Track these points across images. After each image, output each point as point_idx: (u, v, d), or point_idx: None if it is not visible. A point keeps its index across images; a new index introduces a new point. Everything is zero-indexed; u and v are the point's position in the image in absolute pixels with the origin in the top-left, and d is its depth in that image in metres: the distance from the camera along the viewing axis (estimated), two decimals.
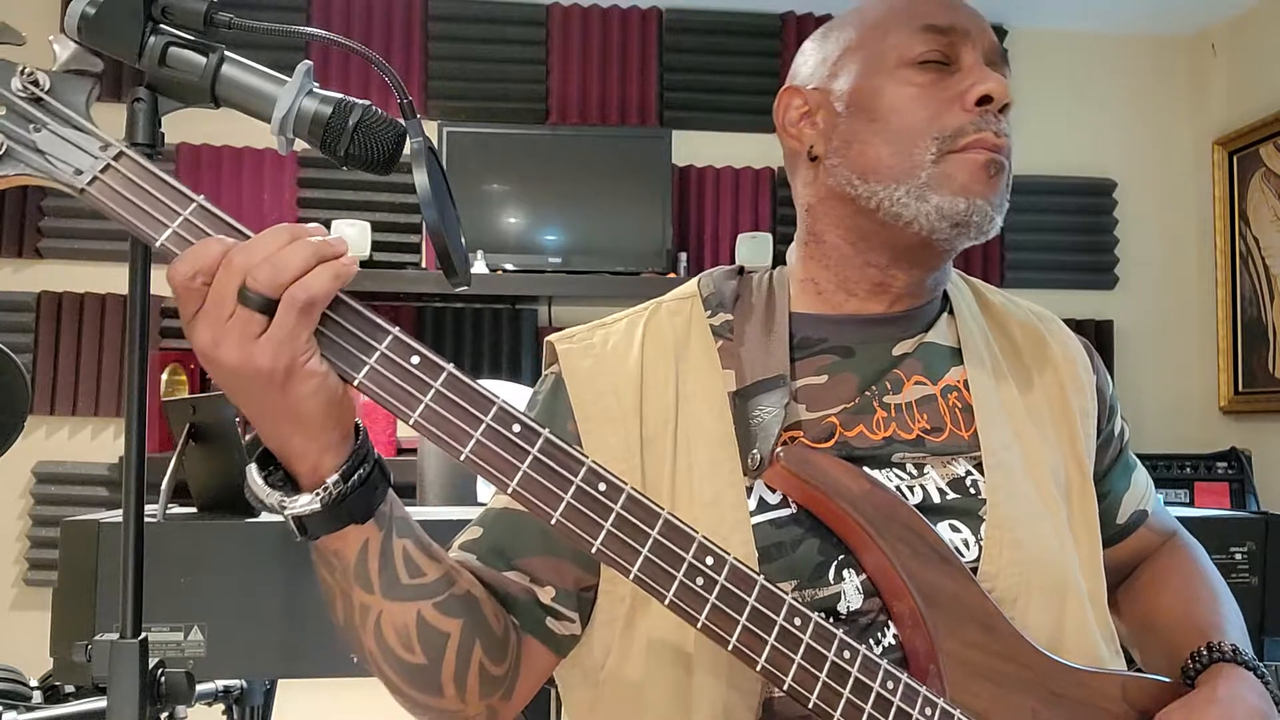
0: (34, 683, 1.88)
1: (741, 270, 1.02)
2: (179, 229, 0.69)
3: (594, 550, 0.72)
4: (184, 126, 3.27)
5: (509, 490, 0.72)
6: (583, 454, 0.73)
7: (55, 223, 3.24)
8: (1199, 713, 0.85)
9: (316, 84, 0.83)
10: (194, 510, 1.56)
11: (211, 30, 0.81)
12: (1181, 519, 1.12)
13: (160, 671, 0.91)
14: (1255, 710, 0.86)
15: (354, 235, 3.17)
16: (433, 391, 0.70)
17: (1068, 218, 3.63)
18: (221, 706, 1.74)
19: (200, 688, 1.61)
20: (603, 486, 0.73)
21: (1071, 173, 3.62)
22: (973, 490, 0.90)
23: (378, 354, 0.70)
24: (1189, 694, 0.88)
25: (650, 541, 0.73)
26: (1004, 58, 0.94)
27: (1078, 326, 3.56)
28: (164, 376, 2.96)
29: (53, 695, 1.84)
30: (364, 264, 3.20)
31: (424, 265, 3.32)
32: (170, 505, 1.46)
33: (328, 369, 0.69)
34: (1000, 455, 0.91)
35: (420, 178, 0.82)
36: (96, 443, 3.24)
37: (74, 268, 3.25)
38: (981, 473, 0.91)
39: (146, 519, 0.93)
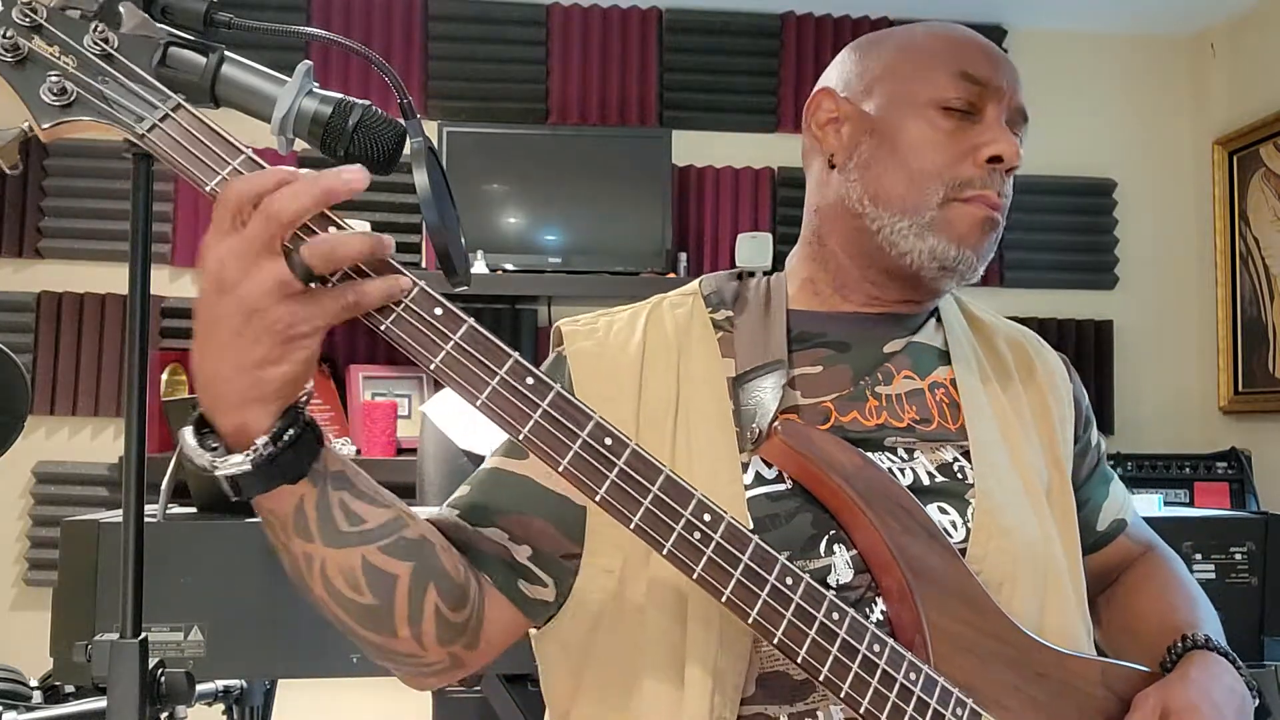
0: (34, 683, 1.88)
1: (741, 275, 1.06)
2: (228, 176, 0.73)
3: (598, 498, 0.76)
4: None
5: (520, 436, 0.75)
6: (591, 410, 0.77)
7: (55, 223, 3.24)
8: (1174, 691, 0.87)
9: (316, 84, 0.83)
10: (194, 510, 1.56)
11: (211, 30, 0.81)
12: (1181, 519, 1.14)
13: (160, 671, 0.91)
14: (1229, 690, 0.89)
15: None
16: (453, 342, 0.74)
17: (1067, 218, 3.63)
18: (221, 706, 1.74)
19: (200, 688, 1.61)
20: (609, 441, 0.77)
21: (1071, 173, 3.62)
22: (960, 476, 0.94)
23: (404, 304, 0.74)
24: (1166, 676, 0.91)
25: (651, 495, 0.77)
26: (1025, 118, 0.99)
27: (1077, 326, 3.57)
28: (164, 376, 2.96)
29: (53, 695, 1.84)
30: None
31: (424, 265, 3.32)
32: (170, 505, 1.46)
33: (319, 349, 0.72)
34: (986, 447, 0.95)
35: (420, 178, 0.82)
36: (96, 443, 3.24)
37: (74, 268, 3.25)
38: (969, 460, 0.94)
39: (146, 519, 0.93)
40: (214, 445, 0.73)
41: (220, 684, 1.68)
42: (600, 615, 0.90)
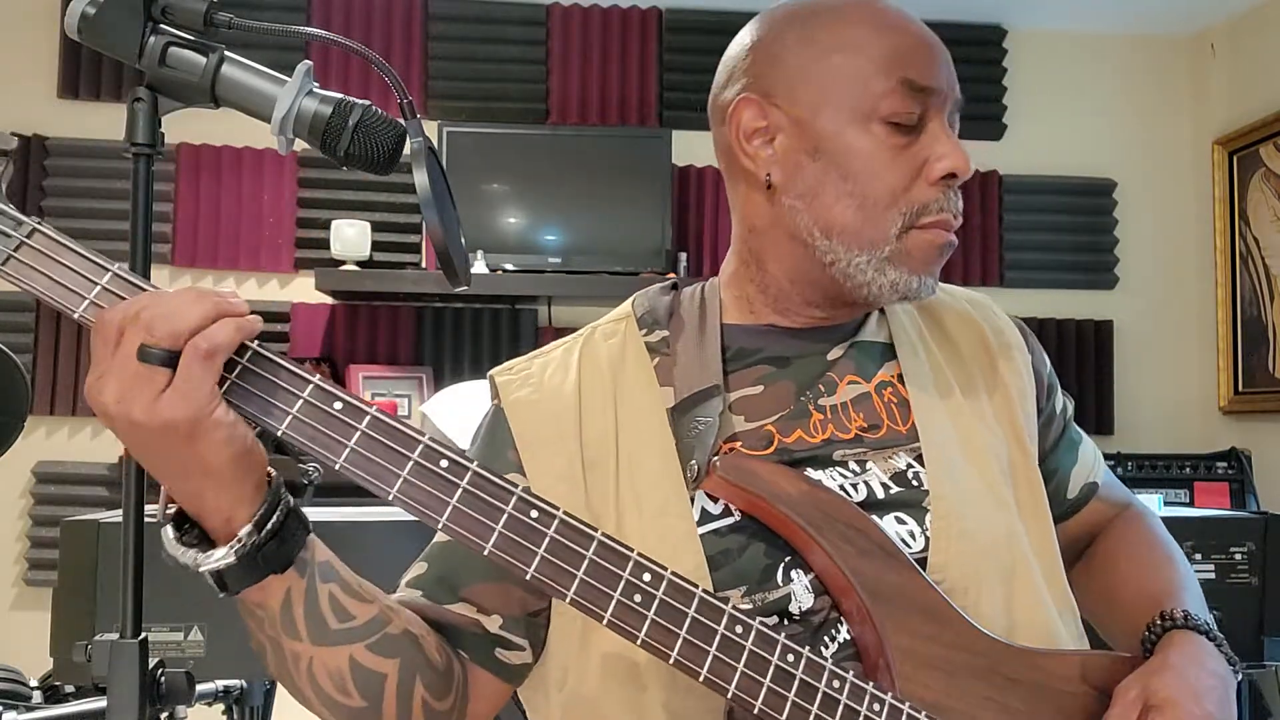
0: (34, 683, 1.88)
1: (675, 285, 1.01)
2: (95, 299, 0.69)
3: (529, 576, 0.73)
4: (184, 126, 3.27)
5: (439, 525, 0.72)
6: (512, 483, 0.74)
7: (55, 223, 3.22)
8: (1154, 680, 0.85)
9: (316, 84, 0.83)
10: None
11: (211, 30, 0.81)
12: (1181, 519, 1.12)
13: (160, 671, 0.91)
14: (1211, 673, 0.86)
15: (354, 235, 3.17)
16: (357, 434, 0.71)
17: (1067, 218, 3.63)
18: (221, 706, 1.74)
19: (200, 688, 1.61)
20: (534, 513, 0.73)
21: (1071, 173, 3.62)
22: (915, 482, 0.91)
23: (300, 403, 0.71)
24: (1144, 664, 0.88)
25: (585, 563, 0.74)
26: (960, 105, 0.92)
27: (1077, 326, 3.57)
28: None
29: (53, 695, 1.84)
30: (364, 264, 3.20)
31: (424, 265, 3.32)
32: (170, 505, 1.46)
33: (235, 419, 0.70)
34: (939, 447, 0.92)
35: (420, 178, 0.82)
36: (96, 443, 3.24)
37: None
38: (921, 465, 0.91)
39: (146, 519, 0.93)
40: (193, 542, 0.72)
41: (220, 684, 1.68)
42: (568, 668, 0.88)
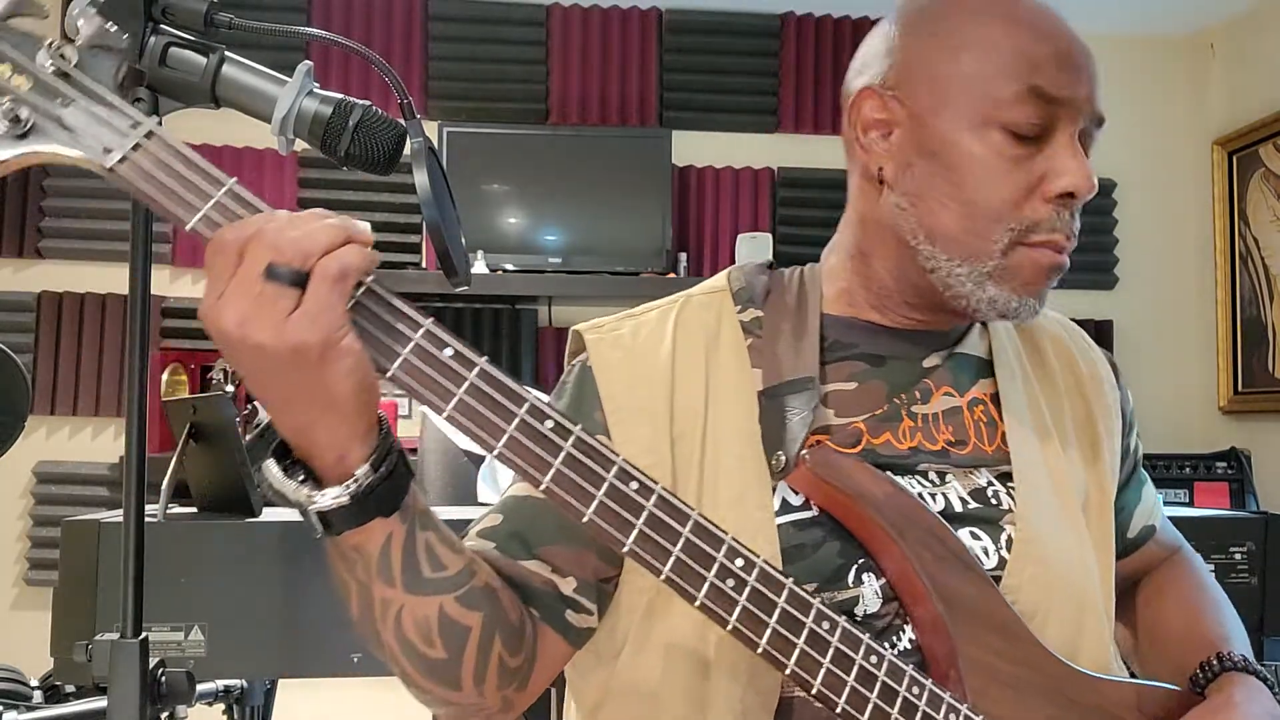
0: (34, 682, 1.88)
1: (772, 265, 1.00)
2: (211, 211, 0.66)
3: (626, 549, 0.71)
4: (184, 126, 3.27)
5: (542, 487, 0.70)
6: (614, 452, 0.72)
7: (55, 223, 3.24)
8: (1221, 715, 0.85)
9: (316, 84, 0.83)
10: (194, 510, 1.56)
11: (211, 30, 0.81)
12: (1181, 519, 1.13)
13: (160, 671, 0.91)
14: (1271, 715, 0.87)
15: None
16: (466, 384, 0.69)
17: None
18: (221, 706, 1.74)
19: (200, 687, 1.61)
20: (634, 485, 0.72)
21: None
22: (994, 501, 0.90)
23: (412, 344, 0.68)
24: (1206, 700, 0.88)
25: (682, 541, 0.72)
26: (1100, 123, 0.87)
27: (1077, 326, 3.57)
28: (164, 376, 2.97)
29: (53, 695, 1.84)
30: None
31: (424, 265, 3.32)
32: (170, 505, 1.46)
33: (361, 348, 0.67)
34: (1029, 471, 0.91)
35: (420, 178, 0.82)
36: (96, 443, 3.24)
37: (74, 268, 3.25)
38: (1003, 484, 0.91)
39: (146, 519, 0.93)
40: (301, 478, 0.69)
41: (221, 684, 1.68)
42: (626, 640, 0.87)
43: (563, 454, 0.70)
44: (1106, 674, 0.89)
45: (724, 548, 0.73)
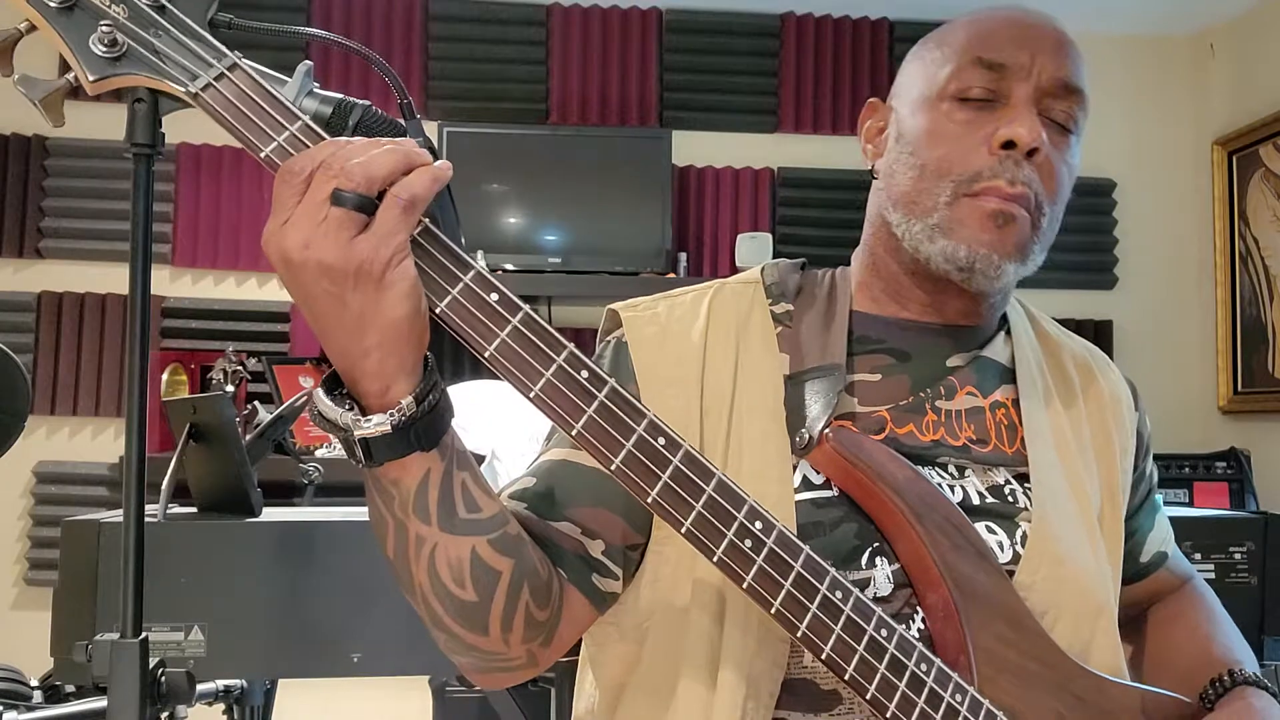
0: (34, 682, 1.88)
1: (804, 265, 1.03)
2: (284, 142, 0.70)
3: (650, 500, 0.73)
4: (184, 126, 3.27)
5: (573, 432, 0.72)
6: (645, 406, 0.74)
7: (55, 223, 3.24)
8: (1242, 718, 0.87)
9: (317, 84, 0.83)
10: (194, 510, 1.56)
11: (212, 31, 0.81)
12: (1181, 519, 1.13)
13: (160, 671, 0.91)
14: None
15: None
16: (510, 327, 0.71)
17: (1068, 218, 3.55)
18: (221, 706, 1.74)
19: (200, 687, 1.61)
20: (662, 440, 0.74)
21: None
22: (1011, 499, 0.91)
23: (461, 285, 0.71)
24: (1217, 710, 0.90)
25: (704, 497, 0.74)
26: (1067, 90, 0.90)
27: (1077, 326, 3.56)
28: (164, 376, 2.97)
29: (53, 695, 1.84)
30: None
31: None
32: (170, 505, 1.46)
33: (418, 277, 0.68)
34: (1046, 474, 0.92)
35: None
36: (96, 443, 3.24)
37: (74, 268, 3.25)
38: (1020, 484, 0.92)
39: (146, 519, 0.93)
40: (349, 406, 0.71)
41: (221, 684, 1.68)
42: (653, 606, 0.89)
43: (596, 402, 0.72)
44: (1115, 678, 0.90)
45: (745, 508, 0.75)
